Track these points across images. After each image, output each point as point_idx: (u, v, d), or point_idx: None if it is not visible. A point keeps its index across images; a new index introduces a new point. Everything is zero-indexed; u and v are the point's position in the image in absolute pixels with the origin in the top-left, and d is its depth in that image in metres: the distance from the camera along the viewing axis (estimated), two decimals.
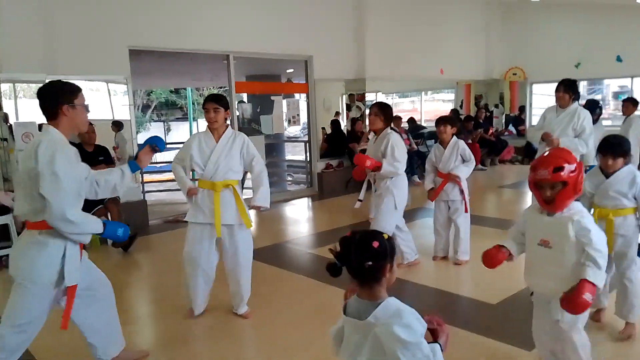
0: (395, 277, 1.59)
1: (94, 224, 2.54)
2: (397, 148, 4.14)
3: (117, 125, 6.80)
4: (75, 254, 2.52)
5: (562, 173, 2.18)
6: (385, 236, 1.55)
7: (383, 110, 4.27)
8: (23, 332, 2.47)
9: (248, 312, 3.66)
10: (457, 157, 4.51)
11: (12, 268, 2.48)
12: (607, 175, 2.98)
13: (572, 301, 2.11)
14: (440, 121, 4.65)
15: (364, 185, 4.56)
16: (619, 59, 10.30)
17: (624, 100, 7.12)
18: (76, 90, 2.54)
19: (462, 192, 4.52)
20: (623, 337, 3.07)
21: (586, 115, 4.70)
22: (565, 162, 2.20)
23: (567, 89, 4.71)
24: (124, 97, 6.82)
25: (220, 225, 3.44)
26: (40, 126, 5.03)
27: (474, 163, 4.58)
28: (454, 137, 4.55)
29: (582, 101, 6.82)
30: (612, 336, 3.12)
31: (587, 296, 2.09)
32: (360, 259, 1.50)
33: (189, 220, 3.59)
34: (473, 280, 4.38)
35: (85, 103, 2.59)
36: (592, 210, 3.04)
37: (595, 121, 5.63)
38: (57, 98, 2.47)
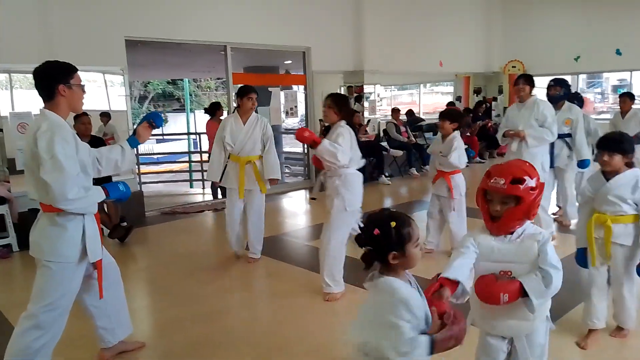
0: (413, 262, 1.60)
1: (96, 194, 2.57)
2: (344, 137, 3.76)
3: (106, 115, 6.76)
4: (95, 230, 2.59)
5: (520, 186, 1.85)
6: (393, 224, 1.56)
7: (337, 102, 3.94)
8: (54, 309, 2.51)
9: (254, 259, 4.70)
10: (450, 155, 4.44)
11: (35, 251, 2.53)
12: (608, 179, 2.78)
13: (487, 286, 1.86)
14: (440, 116, 4.67)
15: (318, 180, 4.26)
16: (618, 53, 10.27)
17: (621, 95, 6.92)
18: (72, 70, 2.52)
19: (449, 189, 4.46)
20: (613, 336, 2.99)
21: (545, 104, 4.79)
22: (526, 175, 1.88)
23: (527, 81, 4.84)
24: (121, 88, 6.77)
25: (242, 189, 4.55)
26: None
27: (454, 163, 4.40)
28: (455, 132, 4.51)
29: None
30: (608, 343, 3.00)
31: (503, 296, 1.81)
32: (363, 243, 1.59)
33: (224, 185, 4.73)
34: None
35: (82, 83, 2.58)
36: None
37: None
38: (54, 78, 2.46)
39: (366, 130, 9.37)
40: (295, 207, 7.79)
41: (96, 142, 5.65)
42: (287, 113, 9.15)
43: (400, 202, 7.54)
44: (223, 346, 3.12)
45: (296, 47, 8.63)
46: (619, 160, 2.73)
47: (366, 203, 6.99)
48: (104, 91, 6.93)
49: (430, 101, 15.76)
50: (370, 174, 9.27)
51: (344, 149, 3.71)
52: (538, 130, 4.74)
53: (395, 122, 9.72)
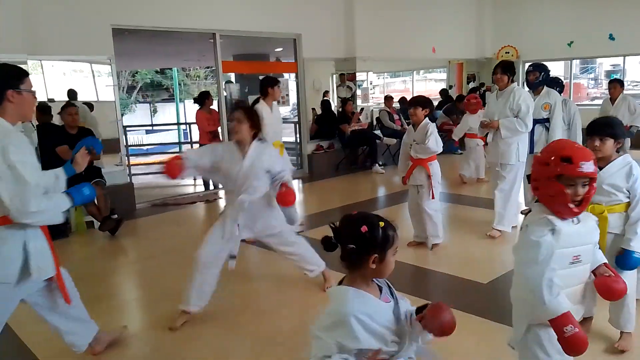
0: (388, 270, 1.52)
1: (61, 203, 2.39)
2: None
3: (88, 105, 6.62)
4: (41, 246, 2.36)
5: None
6: (381, 224, 1.48)
7: (249, 116, 3.22)
8: None
9: None
10: (426, 140, 4.27)
11: None
12: (601, 167, 2.52)
13: (609, 287, 1.90)
14: (410, 104, 4.49)
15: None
16: (611, 38, 10.21)
17: (610, 82, 6.87)
18: (22, 75, 2.33)
19: (429, 176, 4.34)
20: (619, 349, 2.70)
21: (522, 94, 4.68)
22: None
23: (505, 70, 4.70)
24: (108, 78, 6.62)
25: None
26: None
27: (432, 148, 4.28)
28: (426, 118, 4.37)
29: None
30: (605, 348, 2.76)
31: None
32: (347, 240, 1.48)
33: None
34: (462, 260, 4.34)
35: (33, 89, 2.37)
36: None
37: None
38: (2, 82, 2.26)
39: (359, 119, 9.28)
40: None
41: (84, 133, 5.53)
42: (278, 102, 9.00)
43: (394, 190, 7.48)
44: (215, 339, 3.06)
45: (286, 34, 8.50)
46: (610, 145, 2.57)
47: (360, 192, 6.94)
48: (91, 81, 6.79)
49: (424, 88, 15.68)
50: (363, 162, 9.23)
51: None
52: (512, 121, 4.62)
53: (388, 110, 9.64)
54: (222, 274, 4.28)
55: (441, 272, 4.02)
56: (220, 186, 7.88)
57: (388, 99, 9.89)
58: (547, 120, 5.12)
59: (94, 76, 6.76)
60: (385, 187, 7.78)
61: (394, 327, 1.52)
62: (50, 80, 6.34)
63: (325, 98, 9.67)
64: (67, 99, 6.25)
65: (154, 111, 23.23)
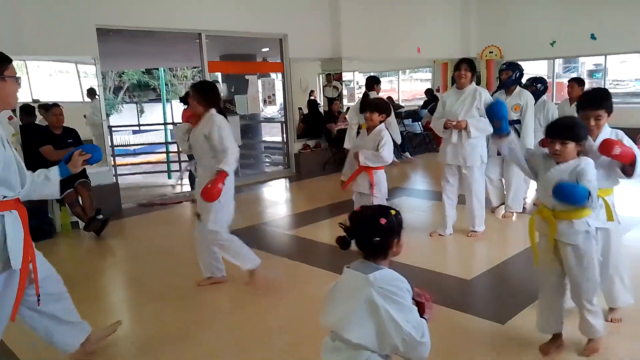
0: (402, 249, 1.68)
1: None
2: (223, 129, 3.50)
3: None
4: (17, 232, 2.24)
5: None
6: (393, 212, 1.64)
7: (201, 93, 3.61)
8: None
9: None
10: (380, 148, 3.99)
11: None
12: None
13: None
14: (367, 107, 4.17)
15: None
16: (593, 37, 10.37)
17: (569, 81, 6.19)
18: (5, 61, 2.27)
19: (371, 185, 4.03)
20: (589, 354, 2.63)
21: (486, 92, 4.56)
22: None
23: (470, 67, 4.54)
24: (94, 79, 6.59)
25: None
26: None
27: (385, 158, 4.00)
28: (382, 124, 4.06)
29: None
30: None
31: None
32: (369, 235, 1.61)
33: None
34: (447, 256, 4.40)
35: (17, 75, 2.33)
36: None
37: (537, 98, 5.41)
38: None
39: (345, 118, 9.32)
40: (275, 196, 7.74)
41: (69, 133, 5.51)
42: (265, 101, 9.04)
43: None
44: (203, 340, 3.07)
45: (273, 34, 8.52)
46: (572, 149, 2.40)
47: (347, 191, 6.97)
48: (76, 82, 6.74)
49: (409, 88, 15.79)
50: None
51: (231, 149, 3.50)
52: (481, 121, 4.45)
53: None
54: None
55: (425, 269, 4.07)
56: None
57: (376, 99, 9.93)
58: (518, 121, 5.05)
59: (79, 77, 6.72)
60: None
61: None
62: (36, 81, 6.29)
63: (311, 97, 9.70)
64: (53, 99, 6.22)
65: (141, 111, 23.09)
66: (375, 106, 4.10)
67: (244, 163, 9.95)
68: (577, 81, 6.03)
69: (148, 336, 3.14)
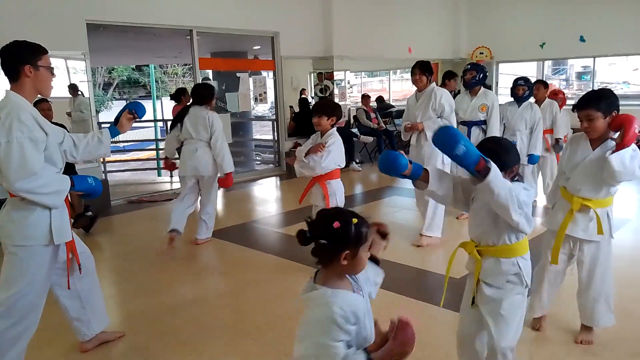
0: (360, 267, 1.50)
1: (59, 183, 2.43)
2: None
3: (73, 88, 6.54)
4: (62, 212, 2.48)
5: None
6: (355, 221, 1.45)
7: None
8: (23, 296, 2.41)
9: (200, 240, 4.80)
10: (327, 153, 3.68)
11: (2, 236, 2.44)
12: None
13: None
14: (313, 111, 3.82)
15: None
16: (582, 39, 10.47)
17: (535, 83, 5.97)
18: (41, 51, 2.41)
19: (324, 197, 3.77)
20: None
21: (442, 93, 4.47)
22: None
23: (423, 70, 4.48)
24: (83, 75, 6.54)
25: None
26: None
27: (318, 168, 3.73)
28: (333, 129, 3.80)
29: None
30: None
31: None
32: (319, 235, 1.44)
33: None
34: (438, 255, 4.42)
35: (51, 66, 2.47)
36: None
37: (519, 98, 5.36)
38: (20, 57, 2.35)
39: None
40: (266, 194, 7.73)
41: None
42: (256, 99, 9.03)
43: (371, 188, 7.56)
44: (191, 335, 3.07)
45: (264, 31, 8.50)
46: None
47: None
48: (65, 77, 6.68)
49: (400, 88, 15.84)
50: None
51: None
52: (436, 121, 4.41)
53: (365, 108, 9.72)
54: (199, 270, 4.30)
55: (415, 267, 4.10)
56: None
57: (365, 98, 9.97)
58: (484, 122, 5.07)
59: (68, 72, 6.66)
60: (362, 185, 7.86)
61: (370, 321, 1.54)
62: None
63: (302, 96, 9.70)
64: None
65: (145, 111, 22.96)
66: (322, 108, 3.73)
67: (234, 161, 9.91)
68: (543, 83, 6.06)
69: (136, 332, 3.13)
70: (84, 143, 2.66)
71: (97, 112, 6.99)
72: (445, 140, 1.85)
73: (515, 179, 2.02)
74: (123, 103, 23.07)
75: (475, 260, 2.11)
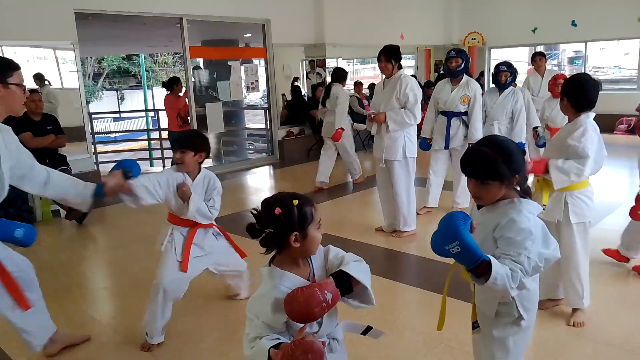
0: (313, 246, 1.49)
1: None
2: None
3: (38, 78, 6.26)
4: None
5: None
6: (295, 202, 1.44)
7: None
8: None
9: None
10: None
11: None
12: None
13: None
14: (176, 145, 2.82)
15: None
16: (573, 24, 10.47)
17: (534, 56, 5.96)
18: (12, 68, 2.23)
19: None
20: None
21: (409, 82, 4.19)
22: None
23: (388, 56, 4.17)
24: (73, 65, 6.46)
25: None
26: None
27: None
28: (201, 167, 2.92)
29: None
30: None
31: None
32: (265, 224, 1.44)
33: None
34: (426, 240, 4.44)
35: (23, 83, 2.28)
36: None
37: (502, 85, 5.12)
38: None
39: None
40: (259, 183, 7.71)
41: (48, 120, 5.40)
42: (248, 88, 8.97)
43: (365, 175, 7.56)
44: (184, 325, 3.08)
45: (255, 19, 8.42)
46: (496, 189, 1.68)
47: (330, 177, 6.99)
48: (55, 68, 6.61)
49: None
50: None
51: None
52: (399, 113, 4.18)
53: (357, 95, 9.68)
54: None
55: (412, 254, 4.11)
56: None
57: (357, 85, 9.93)
58: (465, 113, 4.79)
59: (57, 63, 6.58)
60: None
61: None
62: None
63: (296, 84, 9.64)
64: (32, 85, 6.08)
65: (122, 98, 22.75)
66: (187, 142, 2.77)
67: (227, 150, 9.90)
68: (541, 55, 6.19)
69: (130, 324, 3.13)
70: (61, 179, 2.39)
71: (88, 102, 6.91)
72: (442, 231, 1.56)
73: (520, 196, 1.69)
74: (113, 93, 22.90)
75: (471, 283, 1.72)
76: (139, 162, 2.97)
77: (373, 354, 2.66)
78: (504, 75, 5.07)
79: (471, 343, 2.04)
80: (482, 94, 5.25)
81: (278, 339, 1.45)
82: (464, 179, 4.83)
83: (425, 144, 5.09)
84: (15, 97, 2.24)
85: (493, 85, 5.32)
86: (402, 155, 4.27)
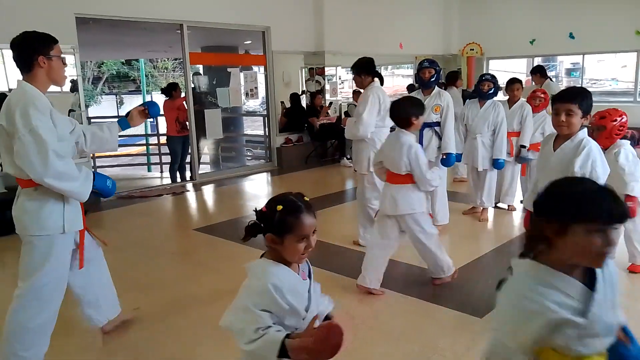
0: (289, 255, 1.52)
1: (85, 176, 2.47)
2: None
3: None
4: (75, 202, 2.53)
5: None
6: (279, 208, 1.50)
7: None
8: (44, 285, 2.46)
9: None
10: None
11: (18, 227, 2.47)
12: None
13: None
14: None
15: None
16: (571, 36, 10.55)
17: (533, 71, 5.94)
18: (53, 41, 2.44)
19: None
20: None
21: (367, 93, 4.15)
22: None
23: (357, 70, 4.25)
24: (73, 70, 6.47)
25: None
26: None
27: None
28: None
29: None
30: None
31: None
32: (258, 217, 1.55)
33: None
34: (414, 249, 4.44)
35: (62, 55, 2.49)
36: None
37: (484, 95, 5.02)
38: (32, 48, 2.37)
39: (327, 113, 9.34)
40: (257, 189, 7.72)
41: None
42: (247, 94, 9.00)
43: None
44: (183, 330, 3.07)
45: (255, 26, 8.46)
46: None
47: (329, 185, 7.00)
48: None
49: (391, 84, 15.83)
50: (332, 156, 9.30)
51: None
52: (350, 121, 4.19)
53: (356, 104, 9.70)
54: (190, 266, 4.30)
55: (405, 263, 4.12)
56: (187, 179, 7.84)
57: (356, 94, 9.95)
58: (438, 124, 4.65)
59: None
60: (354, 180, 7.86)
61: (305, 305, 1.54)
62: (12, 70, 6.15)
63: (294, 92, 9.67)
64: None
65: (121, 103, 22.75)
66: None
67: (225, 156, 9.91)
68: (539, 71, 6.15)
69: (128, 328, 3.11)
70: (91, 134, 2.71)
71: (87, 106, 6.92)
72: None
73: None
74: (112, 97, 22.90)
75: None
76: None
77: None
78: (487, 84, 4.98)
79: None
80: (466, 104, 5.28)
81: (280, 330, 1.45)
82: (442, 193, 4.79)
83: None
84: (57, 69, 2.45)
85: (474, 99, 5.21)
86: (366, 169, 4.18)
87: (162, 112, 5.16)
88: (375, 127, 4.15)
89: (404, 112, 3.35)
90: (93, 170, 2.59)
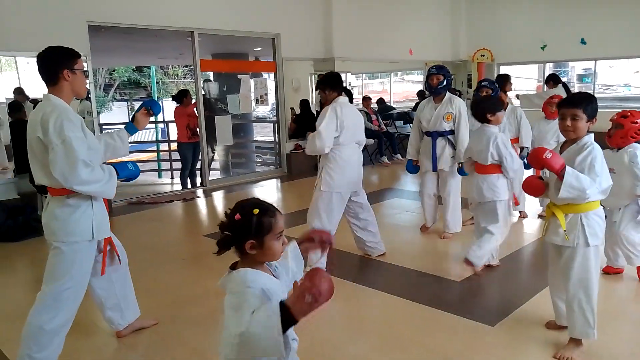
0: (271, 255, 1.53)
1: (109, 173, 2.55)
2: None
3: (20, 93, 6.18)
4: (102, 209, 2.66)
5: None
6: (255, 211, 1.50)
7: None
8: (66, 289, 2.55)
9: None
10: None
11: (47, 233, 2.57)
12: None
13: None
14: None
15: None
16: (583, 42, 10.47)
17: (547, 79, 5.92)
18: (76, 55, 2.59)
19: None
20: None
21: (329, 108, 3.91)
22: None
23: (322, 85, 4.10)
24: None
25: None
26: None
27: None
28: None
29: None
30: None
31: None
32: (226, 228, 1.51)
33: None
34: (437, 258, 4.42)
35: (85, 69, 2.68)
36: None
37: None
38: (58, 62, 2.51)
39: None
40: (266, 195, 7.72)
41: None
42: (257, 101, 9.03)
43: (371, 190, 7.54)
44: (193, 339, 3.07)
45: (265, 33, 8.50)
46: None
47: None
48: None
49: (401, 90, 15.84)
50: None
51: None
52: (310, 137, 3.99)
53: (366, 110, 9.72)
54: (199, 271, 4.30)
55: (414, 270, 4.09)
56: (198, 184, 7.86)
57: (366, 100, 9.97)
58: (451, 132, 4.57)
59: None
60: (364, 187, 7.84)
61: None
62: (25, 77, 6.23)
63: (304, 98, 9.69)
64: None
65: (132, 109, 22.92)
66: None
67: (235, 162, 9.94)
68: (552, 78, 6.12)
69: (136, 332, 3.12)
70: (105, 144, 2.82)
71: (99, 113, 6.98)
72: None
73: None
74: (124, 104, 23.10)
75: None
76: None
77: None
78: (485, 90, 4.83)
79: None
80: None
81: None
82: (455, 202, 4.74)
83: (412, 167, 4.91)
84: (81, 81, 2.59)
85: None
86: (319, 187, 4.04)
87: (163, 110, 5.11)
88: (335, 144, 3.92)
89: (480, 110, 3.72)
90: (112, 164, 2.68)
